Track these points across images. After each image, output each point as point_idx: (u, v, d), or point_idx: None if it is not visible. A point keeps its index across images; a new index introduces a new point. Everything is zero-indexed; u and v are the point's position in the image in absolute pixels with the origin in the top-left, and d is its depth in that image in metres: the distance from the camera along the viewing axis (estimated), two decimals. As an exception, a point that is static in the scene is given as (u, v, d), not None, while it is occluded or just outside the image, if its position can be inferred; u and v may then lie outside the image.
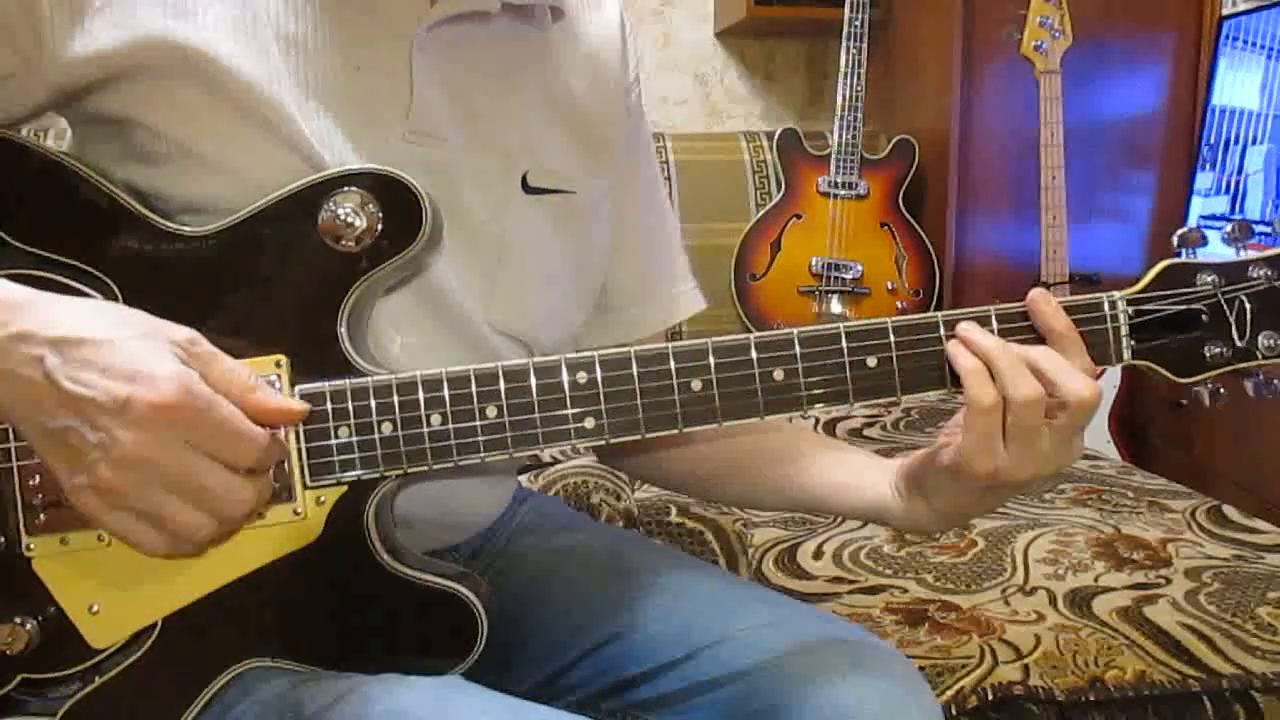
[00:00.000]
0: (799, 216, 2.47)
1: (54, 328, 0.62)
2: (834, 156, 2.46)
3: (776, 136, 2.52)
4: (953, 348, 0.73)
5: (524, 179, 0.85)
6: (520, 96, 0.86)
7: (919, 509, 0.82)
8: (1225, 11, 2.40)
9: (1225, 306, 0.74)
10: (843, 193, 2.46)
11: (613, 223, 0.93)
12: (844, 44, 2.44)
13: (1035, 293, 0.73)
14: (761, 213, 2.48)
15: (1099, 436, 2.33)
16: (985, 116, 2.48)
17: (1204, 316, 0.75)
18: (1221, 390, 0.76)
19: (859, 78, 2.43)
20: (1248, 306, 0.74)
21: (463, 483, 0.87)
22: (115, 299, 0.72)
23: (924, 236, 2.47)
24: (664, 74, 2.89)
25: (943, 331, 0.74)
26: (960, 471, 0.73)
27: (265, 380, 0.70)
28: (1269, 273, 0.74)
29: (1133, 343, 0.75)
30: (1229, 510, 1.53)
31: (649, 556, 0.95)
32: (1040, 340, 0.73)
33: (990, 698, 1.07)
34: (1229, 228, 0.75)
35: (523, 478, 1.44)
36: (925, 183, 2.52)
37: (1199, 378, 0.76)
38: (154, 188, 0.75)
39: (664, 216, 1.02)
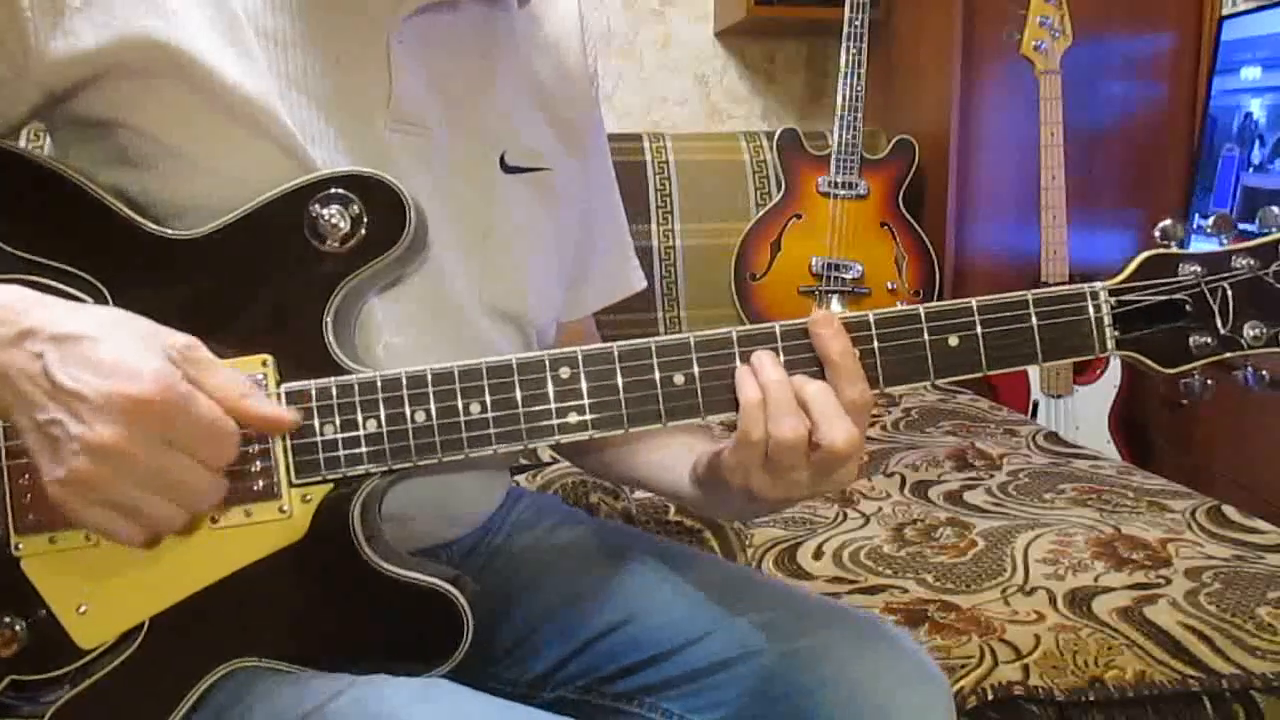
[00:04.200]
0: (799, 216, 2.47)
1: (56, 325, 0.63)
2: (834, 156, 2.45)
3: (776, 136, 2.52)
4: (741, 375, 0.72)
5: (502, 159, 0.87)
6: (495, 79, 0.87)
7: (704, 499, 0.84)
8: (1225, 11, 2.40)
9: (1208, 296, 0.74)
10: (843, 193, 2.46)
11: (579, 201, 0.96)
12: (844, 44, 2.44)
13: (816, 315, 0.72)
14: (761, 213, 2.48)
15: (1099, 436, 2.32)
16: (985, 116, 2.47)
17: (1187, 307, 0.74)
18: (1209, 381, 0.76)
19: (859, 78, 2.43)
20: (1230, 296, 0.74)
21: (455, 479, 0.87)
22: (105, 302, 0.73)
23: (924, 236, 2.46)
24: (664, 74, 2.89)
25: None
26: (720, 478, 0.76)
27: (252, 379, 0.71)
28: (1252, 262, 0.74)
29: (1116, 333, 0.75)
30: (1229, 510, 1.53)
31: (649, 546, 0.96)
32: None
33: (990, 698, 1.07)
34: (1211, 219, 0.74)
35: (520, 478, 1.44)
36: (925, 183, 2.52)
37: (1185, 368, 0.75)
38: (141, 190, 0.76)
39: (616, 197, 1.05)
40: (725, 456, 0.74)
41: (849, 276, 2.43)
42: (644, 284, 1.06)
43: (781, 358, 0.73)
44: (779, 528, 1.49)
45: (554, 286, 0.94)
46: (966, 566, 1.35)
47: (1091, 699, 1.08)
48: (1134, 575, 1.30)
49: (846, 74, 2.44)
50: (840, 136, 2.44)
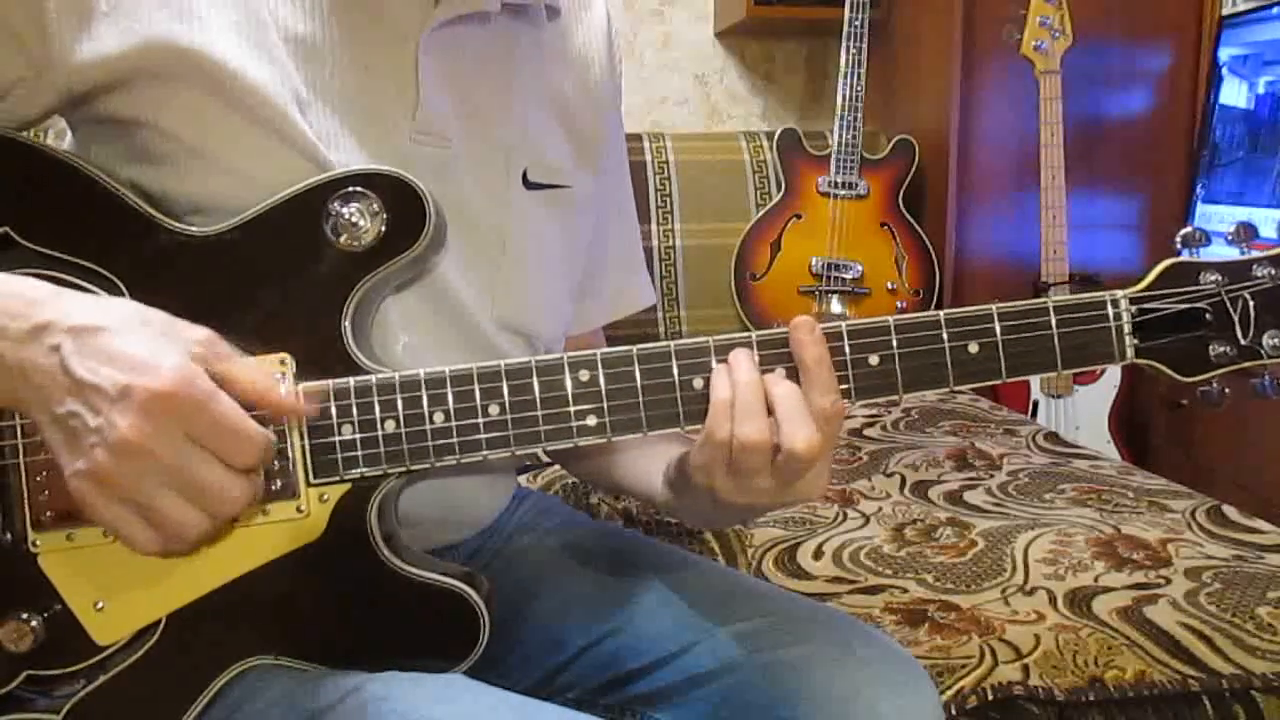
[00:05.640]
0: (799, 216, 2.47)
1: (73, 317, 0.63)
2: (834, 156, 2.46)
3: (776, 136, 2.52)
4: (716, 373, 0.72)
5: (524, 175, 0.87)
6: (519, 94, 0.88)
7: (675, 502, 0.84)
8: (1225, 12, 2.40)
9: (1229, 305, 0.74)
10: (843, 193, 2.46)
11: (593, 216, 0.96)
12: (844, 44, 2.44)
13: (798, 320, 0.72)
14: (761, 213, 2.48)
15: (1099, 436, 2.33)
16: (985, 116, 2.48)
17: (1208, 315, 0.74)
18: (1226, 390, 0.76)
19: (859, 78, 2.43)
20: (1251, 305, 0.74)
21: (463, 481, 0.88)
22: (123, 298, 0.72)
23: (924, 236, 2.47)
24: (664, 74, 2.89)
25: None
26: (688, 479, 0.76)
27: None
28: (1273, 271, 0.74)
29: (1135, 341, 0.75)
30: (1229, 510, 1.53)
31: (646, 553, 0.96)
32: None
33: (990, 698, 1.07)
34: (1233, 228, 0.74)
35: (522, 477, 1.45)
36: (925, 183, 2.52)
37: (1203, 377, 0.75)
38: (161, 188, 0.76)
39: (632, 212, 1.05)
40: (692, 455, 0.74)
41: (849, 276, 2.43)
42: (653, 300, 1.06)
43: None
44: (779, 528, 1.49)
45: (564, 301, 0.94)
46: (966, 566, 1.35)
47: (1091, 699, 1.08)
48: (1134, 575, 1.31)
49: (846, 74, 2.44)
50: (840, 136, 2.45)
